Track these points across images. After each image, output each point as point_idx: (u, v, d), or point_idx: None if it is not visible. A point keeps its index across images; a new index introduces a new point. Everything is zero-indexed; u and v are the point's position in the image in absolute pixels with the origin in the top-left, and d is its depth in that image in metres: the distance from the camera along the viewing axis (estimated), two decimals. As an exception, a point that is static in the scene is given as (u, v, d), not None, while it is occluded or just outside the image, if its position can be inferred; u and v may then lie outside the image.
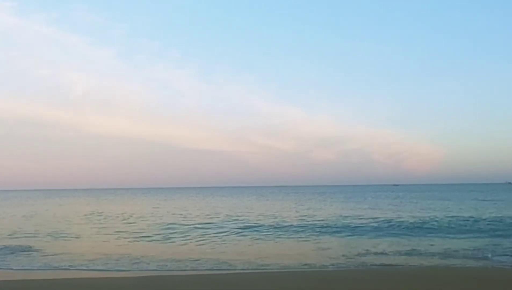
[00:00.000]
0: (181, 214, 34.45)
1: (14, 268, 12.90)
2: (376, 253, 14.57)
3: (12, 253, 15.54)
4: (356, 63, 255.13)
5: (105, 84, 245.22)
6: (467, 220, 24.85)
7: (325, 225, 23.80)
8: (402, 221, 24.49)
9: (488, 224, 23.06)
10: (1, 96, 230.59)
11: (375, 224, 23.70)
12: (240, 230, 22.19)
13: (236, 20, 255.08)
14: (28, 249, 16.24)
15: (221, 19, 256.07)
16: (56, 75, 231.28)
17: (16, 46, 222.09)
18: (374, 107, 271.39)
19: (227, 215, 32.42)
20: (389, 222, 24.47)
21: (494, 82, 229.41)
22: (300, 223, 25.17)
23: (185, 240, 19.20)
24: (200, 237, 20.08)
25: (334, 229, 21.83)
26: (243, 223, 25.79)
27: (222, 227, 23.57)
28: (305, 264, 12.70)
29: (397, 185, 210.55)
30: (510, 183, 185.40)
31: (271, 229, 22.47)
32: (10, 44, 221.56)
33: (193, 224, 25.36)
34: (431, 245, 16.40)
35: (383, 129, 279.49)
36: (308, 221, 26.01)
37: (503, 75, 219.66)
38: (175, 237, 19.95)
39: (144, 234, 21.17)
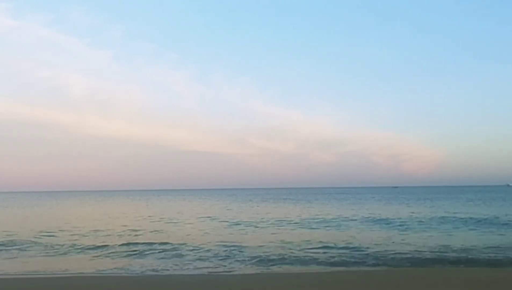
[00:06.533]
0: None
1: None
2: None
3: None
4: (355, 66, 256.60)
5: (103, 86, 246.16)
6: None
7: None
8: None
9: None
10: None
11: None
12: None
13: (233, 23, 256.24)
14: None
15: (218, 21, 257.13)
16: (54, 76, 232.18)
17: (12, 48, 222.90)
18: (373, 109, 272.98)
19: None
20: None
21: (493, 85, 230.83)
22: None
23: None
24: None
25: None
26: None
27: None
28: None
29: (396, 187, 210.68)
30: (508, 185, 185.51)
31: None
32: (6, 46, 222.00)
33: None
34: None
35: (382, 131, 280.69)
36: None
37: (502, 78, 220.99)
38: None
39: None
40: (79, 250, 16.00)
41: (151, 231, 22.38)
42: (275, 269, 12.32)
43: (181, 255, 14.59)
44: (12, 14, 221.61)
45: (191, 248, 16.09)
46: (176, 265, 13.03)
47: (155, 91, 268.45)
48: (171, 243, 17.27)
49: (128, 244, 17.40)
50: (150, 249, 15.89)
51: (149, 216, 34.84)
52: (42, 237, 20.07)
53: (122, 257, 14.54)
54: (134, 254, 14.97)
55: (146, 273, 11.79)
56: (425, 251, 14.78)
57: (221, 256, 14.22)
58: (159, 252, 15.37)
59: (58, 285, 9.98)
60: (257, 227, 24.55)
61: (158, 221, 29.77)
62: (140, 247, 16.40)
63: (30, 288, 9.76)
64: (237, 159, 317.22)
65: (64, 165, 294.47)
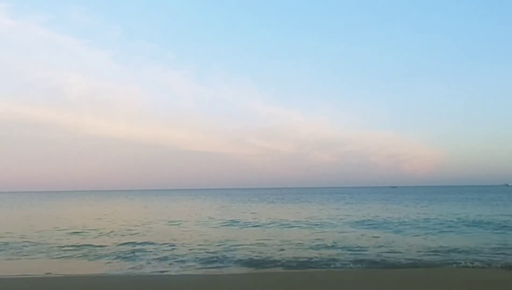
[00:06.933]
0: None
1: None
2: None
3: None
4: (355, 66, 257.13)
5: (103, 86, 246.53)
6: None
7: None
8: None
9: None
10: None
11: None
12: None
13: (233, 23, 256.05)
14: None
15: (218, 21, 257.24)
16: (53, 77, 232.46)
17: (12, 48, 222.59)
18: (372, 109, 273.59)
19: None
20: None
21: (493, 85, 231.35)
22: None
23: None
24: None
25: None
26: None
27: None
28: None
29: (395, 187, 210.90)
30: (507, 185, 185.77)
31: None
32: (6, 46, 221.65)
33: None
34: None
35: (381, 131, 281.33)
36: None
37: (502, 78, 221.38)
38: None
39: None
40: (71, 250, 15.92)
41: (147, 232, 22.31)
42: (274, 269, 12.29)
43: (176, 256, 14.49)
44: (11, 14, 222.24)
45: (187, 248, 16.08)
46: (171, 265, 12.99)
47: (154, 91, 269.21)
48: (166, 243, 17.29)
49: (123, 244, 17.41)
50: (145, 249, 15.85)
51: (146, 217, 34.80)
52: (38, 237, 20.04)
53: (116, 257, 14.42)
54: (129, 254, 14.86)
55: (142, 274, 11.75)
56: (423, 252, 14.76)
57: (218, 256, 14.16)
58: (155, 252, 15.33)
59: (53, 286, 9.94)
60: (256, 226, 24.55)
61: (154, 221, 29.66)
62: (135, 247, 16.37)
63: (26, 288, 9.72)
64: (237, 159, 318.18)
65: (64, 165, 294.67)
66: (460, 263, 12.77)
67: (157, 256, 14.40)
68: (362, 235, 19.77)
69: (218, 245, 16.64)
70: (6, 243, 17.71)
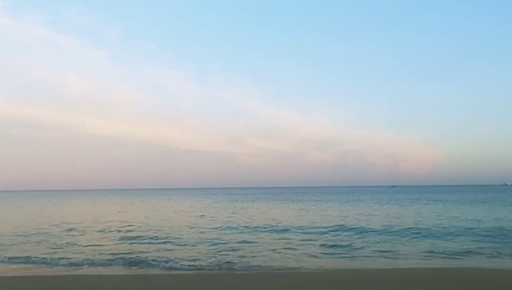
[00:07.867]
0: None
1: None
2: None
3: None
4: (354, 66, 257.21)
5: (102, 86, 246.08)
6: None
7: None
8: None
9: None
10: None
11: None
12: None
13: (232, 22, 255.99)
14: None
15: (217, 21, 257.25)
16: (53, 76, 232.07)
17: (8, 47, 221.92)
18: (370, 109, 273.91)
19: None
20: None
21: (490, 85, 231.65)
22: None
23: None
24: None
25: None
26: None
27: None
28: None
29: (394, 186, 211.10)
30: (506, 184, 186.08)
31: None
32: (4, 45, 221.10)
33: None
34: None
35: (381, 131, 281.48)
36: None
37: (499, 78, 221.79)
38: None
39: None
40: (67, 249, 15.82)
41: (142, 231, 22.16)
42: (272, 270, 12.15)
43: (163, 257, 14.09)
44: (9, 13, 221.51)
45: (172, 248, 16.07)
46: (161, 264, 12.80)
47: (154, 91, 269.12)
48: (158, 242, 17.48)
49: (117, 243, 17.43)
50: (139, 249, 15.75)
51: (144, 216, 34.65)
52: (36, 236, 20.00)
53: (112, 257, 14.18)
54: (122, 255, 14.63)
55: (146, 273, 11.63)
56: (422, 252, 14.68)
57: (202, 258, 14.03)
58: (149, 251, 15.23)
59: (49, 285, 9.93)
60: (248, 228, 24.25)
61: (150, 221, 29.51)
62: (128, 248, 16.24)
63: (26, 288, 9.67)
64: (237, 159, 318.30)
65: (64, 164, 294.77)
66: (461, 264, 12.71)
67: (147, 256, 14.12)
68: (359, 235, 19.61)
69: (204, 245, 16.60)
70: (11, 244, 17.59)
